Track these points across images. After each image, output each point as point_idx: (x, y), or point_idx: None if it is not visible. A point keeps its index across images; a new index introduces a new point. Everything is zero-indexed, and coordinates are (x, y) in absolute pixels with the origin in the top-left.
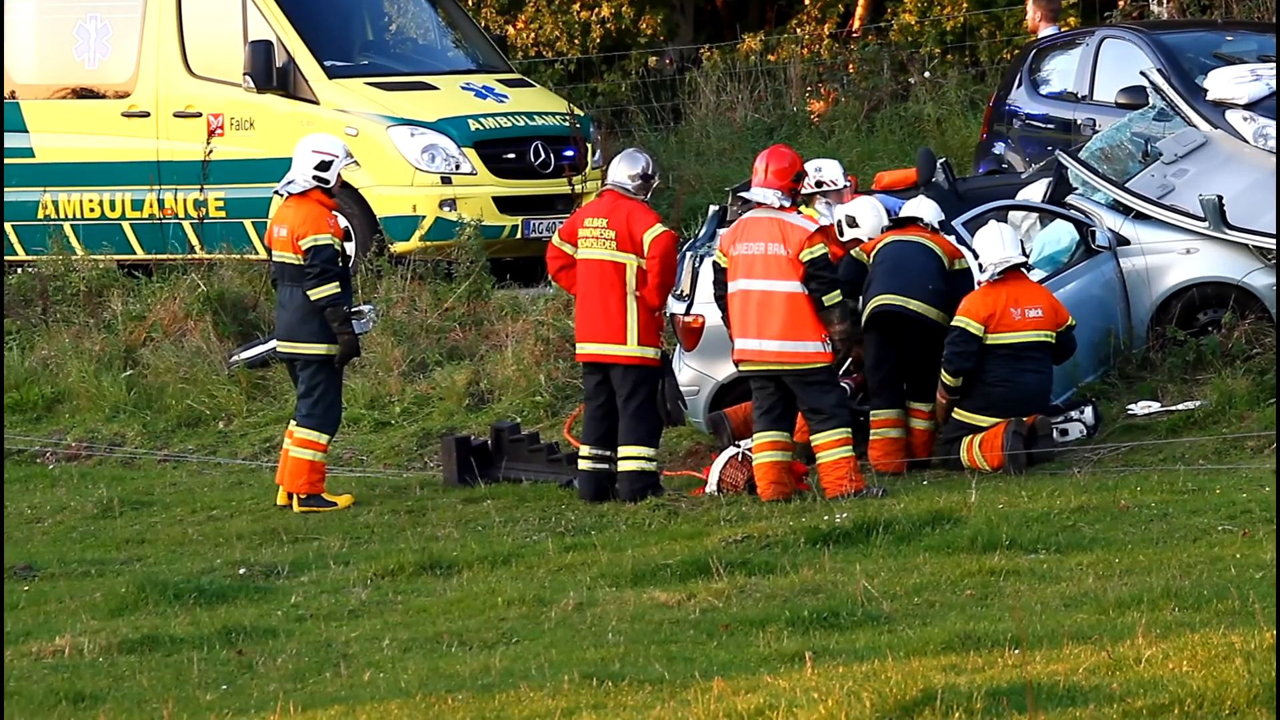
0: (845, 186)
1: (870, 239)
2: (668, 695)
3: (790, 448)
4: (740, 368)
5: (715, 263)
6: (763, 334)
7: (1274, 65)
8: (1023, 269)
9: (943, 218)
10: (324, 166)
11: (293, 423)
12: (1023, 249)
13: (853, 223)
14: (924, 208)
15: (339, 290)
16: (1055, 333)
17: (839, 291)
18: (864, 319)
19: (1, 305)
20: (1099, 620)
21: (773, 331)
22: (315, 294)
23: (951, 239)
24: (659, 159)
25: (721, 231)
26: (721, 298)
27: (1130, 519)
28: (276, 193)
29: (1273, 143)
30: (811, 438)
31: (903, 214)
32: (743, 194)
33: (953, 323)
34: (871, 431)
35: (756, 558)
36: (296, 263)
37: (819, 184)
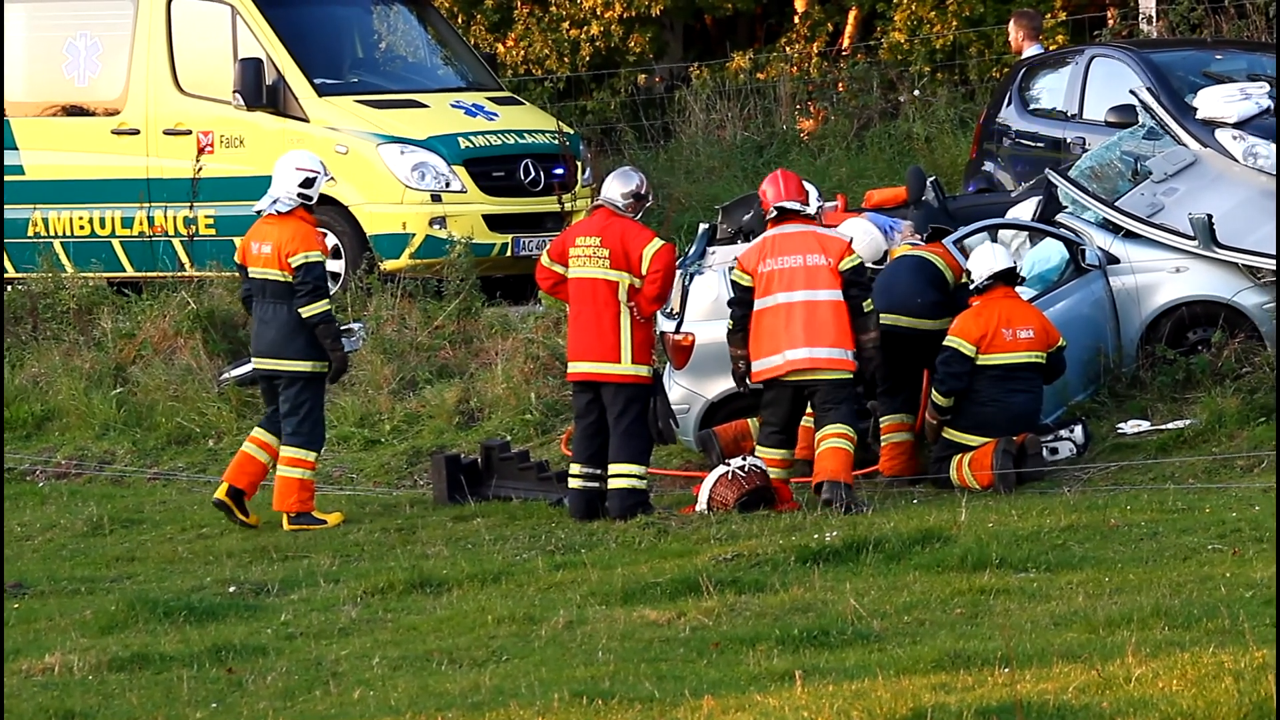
0: (831, 207)
1: (873, 260)
2: (658, 713)
3: (789, 465)
4: (787, 378)
5: (734, 281)
6: (814, 342)
7: (1263, 84)
8: (1012, 281)
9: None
10: (308, 184)
11: (257, 430)
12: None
13: None
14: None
15: (330, 307)
16: (1046, 353)
17: (871, 299)
18: None
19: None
20: (1089, 639)
21: (826, 340)
22: (308, 311)
23: None
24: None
25: (712, 250)
26: (743, 317)
27: (1120, 538)
28: (258, 211)
29: (1262, 161)
30: (822, 427)
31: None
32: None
33: (945, 343)
34: (881, 437)
35: (746, 576)
36: (283, 280)
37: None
